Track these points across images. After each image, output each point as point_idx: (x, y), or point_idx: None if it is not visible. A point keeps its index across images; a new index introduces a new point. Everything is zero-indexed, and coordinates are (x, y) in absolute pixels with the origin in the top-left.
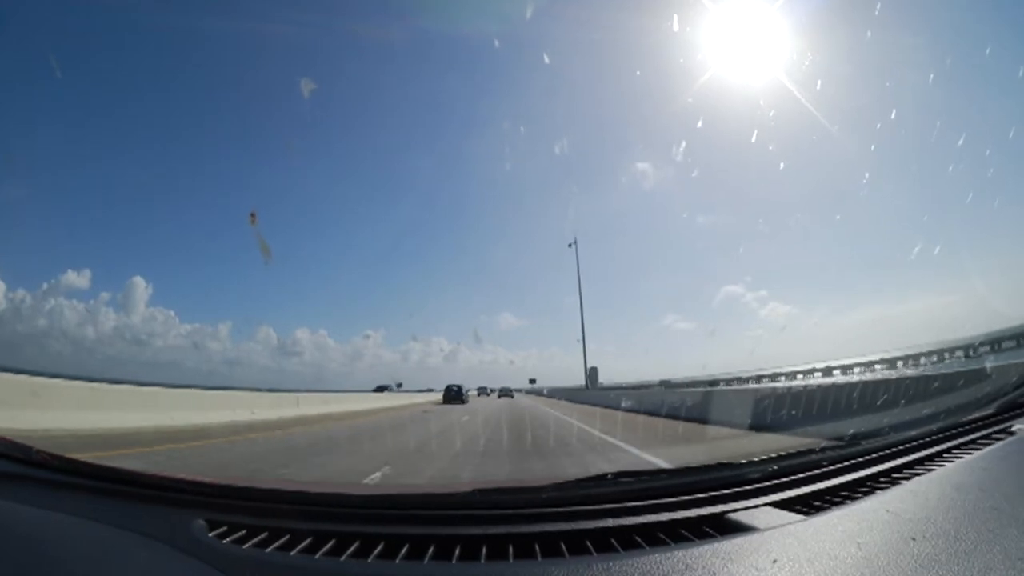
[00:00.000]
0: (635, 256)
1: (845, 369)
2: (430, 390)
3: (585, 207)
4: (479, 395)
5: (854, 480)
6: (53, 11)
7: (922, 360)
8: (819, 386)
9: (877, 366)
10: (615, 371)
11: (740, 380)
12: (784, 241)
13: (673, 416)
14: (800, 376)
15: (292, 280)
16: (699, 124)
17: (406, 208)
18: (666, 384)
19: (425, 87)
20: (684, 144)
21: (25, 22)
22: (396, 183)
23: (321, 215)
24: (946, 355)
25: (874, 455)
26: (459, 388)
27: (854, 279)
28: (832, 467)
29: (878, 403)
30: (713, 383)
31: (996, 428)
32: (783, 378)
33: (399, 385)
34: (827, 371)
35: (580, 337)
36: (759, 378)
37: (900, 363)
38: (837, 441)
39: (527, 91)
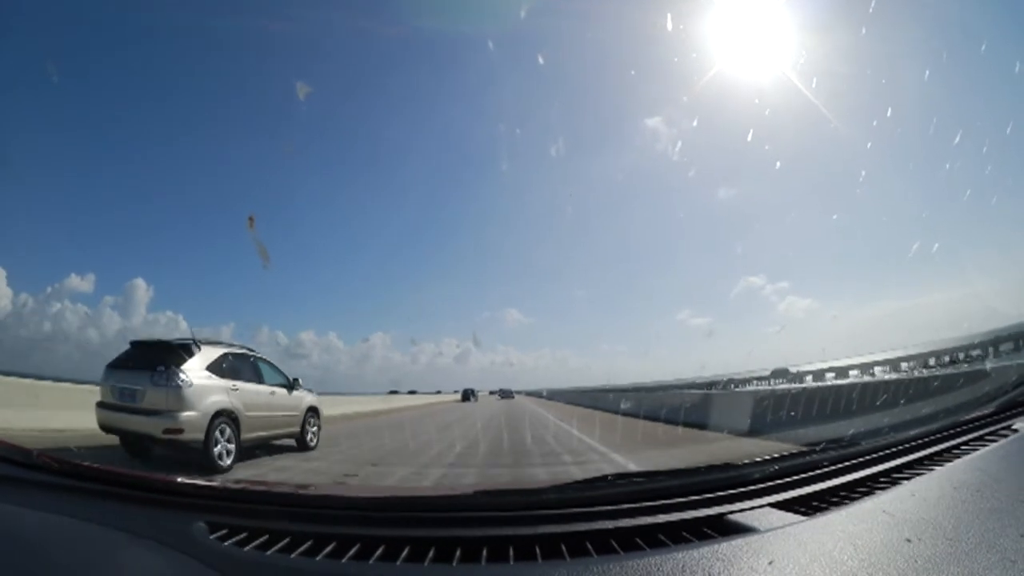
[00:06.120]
0: (647, 248)
1: (864, 368)
2: (439, 392)
3: (593, 197)
4: (492, 395)
5: (854, 480)
6: (53, 12)
7: (961, 356)
8: (818, 388)
9: (904, 364)
10: (627, 371)
11: (759, 379)
12: (804, 229)
13: (671, 420)
14: (810, 378)
15: (298, 282)
16: (712, 113)
17: (409, 207)
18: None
19: (425, 82)
20: (693, 135)
21: (24, 24)
22: (398, 181)
23: (324, 215)
24: (989, 348)
25: (874, 455)
26: (472, 390)
27: (875, 269)
28: (832, 467)
29: (877, 403)
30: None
31: (996, 427)
32: (782, 382)
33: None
34: (842, 371)
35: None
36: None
37: (933, 359)
38: (837, 441)
39: (532, 86)
